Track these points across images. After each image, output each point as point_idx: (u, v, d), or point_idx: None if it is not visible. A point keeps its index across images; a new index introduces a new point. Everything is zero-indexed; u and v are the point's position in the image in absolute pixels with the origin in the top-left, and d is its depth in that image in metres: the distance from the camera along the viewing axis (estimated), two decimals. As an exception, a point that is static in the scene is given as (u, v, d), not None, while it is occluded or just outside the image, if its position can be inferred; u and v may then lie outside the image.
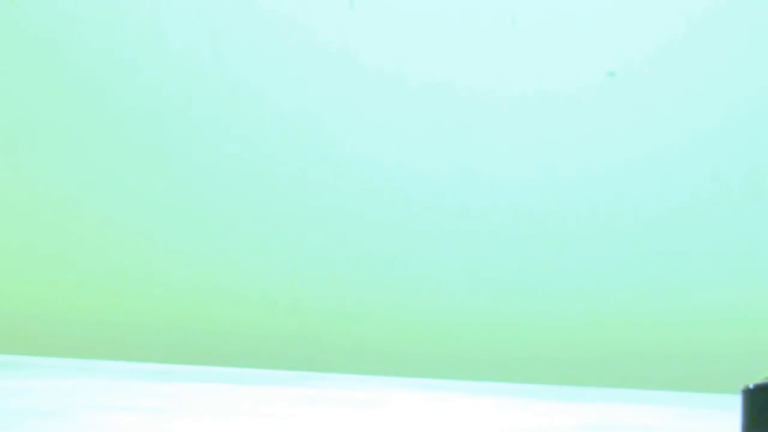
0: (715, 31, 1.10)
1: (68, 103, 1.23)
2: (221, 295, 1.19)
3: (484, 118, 1.15)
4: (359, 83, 1.17)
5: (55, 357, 1.21)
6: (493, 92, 1.14)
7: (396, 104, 1.16)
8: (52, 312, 1.23)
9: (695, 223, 1.10)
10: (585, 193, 1.13)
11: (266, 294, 1.19)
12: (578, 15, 1.12)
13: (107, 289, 1.21)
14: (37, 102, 1.24)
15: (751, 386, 0.38)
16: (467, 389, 1.03)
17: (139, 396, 0.93)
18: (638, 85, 1.11)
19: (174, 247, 1.20)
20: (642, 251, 1.11)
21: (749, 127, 1.10)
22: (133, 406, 0.88)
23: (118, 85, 1.22)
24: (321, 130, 1.18)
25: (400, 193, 1.16)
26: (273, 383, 1.03)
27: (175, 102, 1.21)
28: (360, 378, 1.08)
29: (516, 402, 0.97)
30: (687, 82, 1.11)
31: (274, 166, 1.19)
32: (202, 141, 1.21)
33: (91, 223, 1.22)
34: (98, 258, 1.22)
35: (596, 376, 1.11)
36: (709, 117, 1.10)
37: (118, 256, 1.21)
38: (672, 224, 1.11)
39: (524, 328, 1.13)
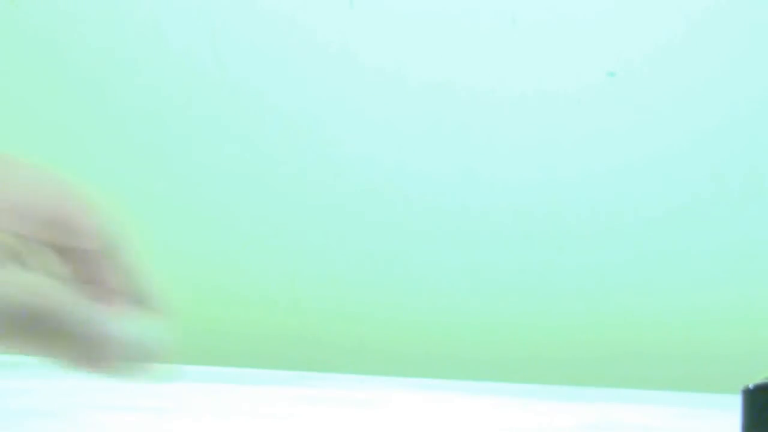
0: (716, 31, 1.10)
1: (68, 103, 1.23)
2: (221, 294, 1.19)
3: (484, 118, 1.15)
4: (359, 83, 1.17)
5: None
6: (493, 92, 1.14)
7: (396, 104, 1.16)
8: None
9: (695, 223, 1.10)
10: (585, 193, 1.13)
11: (266, 294, 1.18)
12: (578, 15, 1.12)
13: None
14: (37, 102, 1.24)
15: (751, 386, 0.37)
16: (467, 389, 1.03)
17: (139, 396, 0.92)
18: (638, 85, 1.11)
19: (173, 246, 1.20)
20: (642, 251, 1.11)
21: (749, 127, 1.10)
22: (133, 406, 0.88)
23: (118, 85, 1.22)
24: (321, 130, 1.18)
25: (400, 193, 1.16)
26: (273, 383, 1.03)
27: (175, 102, 1.21)
28: (360, 378, 1.08)
29: (516, 402, 0.97)
30: (687, 82, 1.10)
31: (274, 166, 1.19)
32: (202, 141, 1.20)
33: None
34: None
35: (596, 376, 1.11)
36: (709, 117, 1.10)
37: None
38: (672, 224, 1.11)
39: (524, 328, 1.13)
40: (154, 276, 0.45)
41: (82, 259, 0.42)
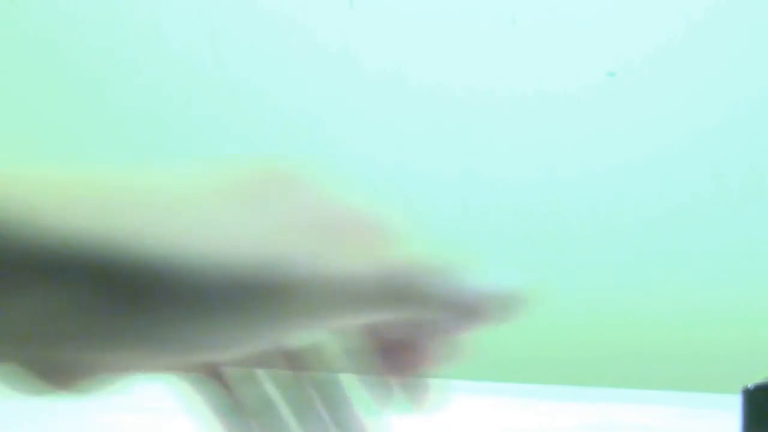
0: (716, 31, 1.10)
1: (68, 103, 1.23)
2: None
3: (484, 118, 1.15)
4: (359, 83, 1.17)
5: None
6: (493, 92, 1.14)
7: (396, 104, 1.16)
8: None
9: (695, 223, 1.10)
10: (585, 193, 1.13)
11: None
12: (578, 15, 1.12)
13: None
14: (37, 102, 1.24)
15: (751, 386, 0.37)
16: (467, 389, 1.03)
17: (139, 396, 0.92)
18: (638, 85, 1.11)
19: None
20: (642, 251, 1.11)
21: (750, 127, 1.10)
22: (133, 406, 0.88)
23: (118, 85, 1.22)
24: (321, 130, 1.18)
25: (400, 194, 1.16)
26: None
27: (175, 102, 1.21)
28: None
29: (516, 402, 0.97)
30: (687, 82, 1.10)
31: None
32: (202, 141, 1.20)
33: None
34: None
35: (596, 376, 1.11)
36: (709, 117, 1.10)
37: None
38: (672, 224, 1.11)
39: (524, 328, 1.13)
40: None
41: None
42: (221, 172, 0.34)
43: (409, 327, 0.38)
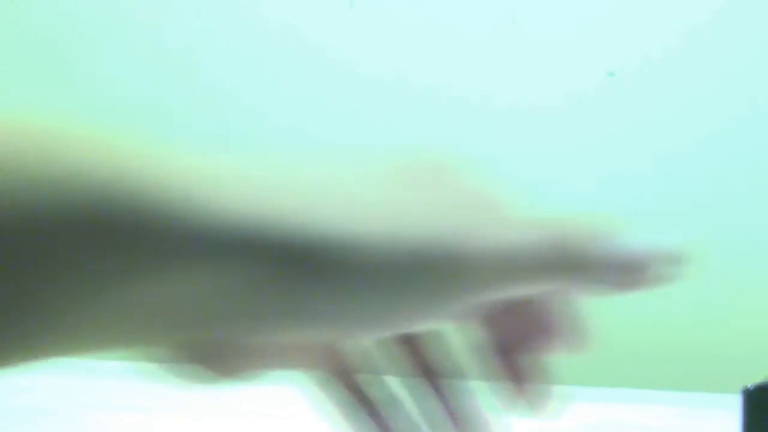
0: (716, 31, 1.10)
1: (68, 103, 1.23)
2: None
3: (484, 118, 1.15)
4: (359, 83, 1.17)
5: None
6: (493, 92, 1.14)
7: (396, 104, 1.16)
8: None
9: (695, 223, 1.10)
10: (585, 193, 1.13)
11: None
12: (578, 15, 1.12)
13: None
14: (37, 102, 1.24)
15: (751, 386, 0.37)
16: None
17: (139, 396, 0.93)
18: (638, 85, 1.11)
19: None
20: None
21: (750, 127, 1.10)
22: (133, 406, 0.88)
23: (119, 85, 1.22)
24: (320, 131, 1.18)
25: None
26: (273, 383, 1.03)
27: (174, 104, 1.21)
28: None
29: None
30: (687, 82, 1.10)
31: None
32: (200, 143, 1.20)
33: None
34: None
35: (596, 376, 1.11)
36: (709, 117, 1.10)
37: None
38: (672, 224, 1.11)
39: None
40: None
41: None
42: (385, 161, 0.35)
43: (547, 312, 0.39)
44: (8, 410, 0.85)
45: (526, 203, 0.38)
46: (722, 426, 0.85)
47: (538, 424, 0.85)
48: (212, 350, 0.32)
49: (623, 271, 0.37)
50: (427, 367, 0.41)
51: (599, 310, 1.12)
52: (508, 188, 1.14)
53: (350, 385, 0.41)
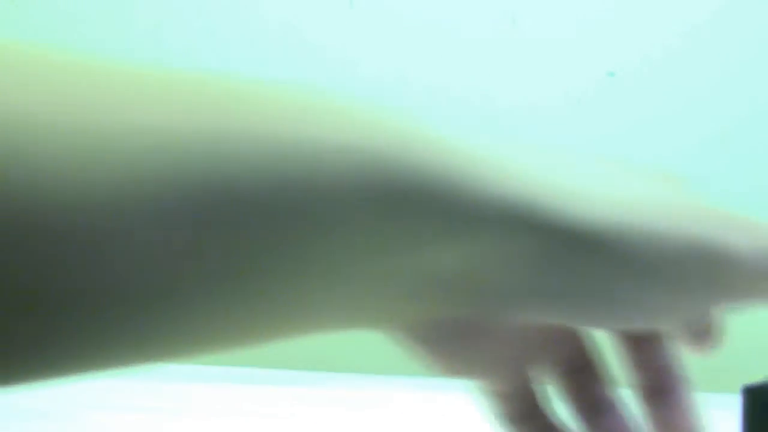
0: (716, 32, 1.10)
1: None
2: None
3: (484, 119, 1.15)
4: (359, 83, 1.17)
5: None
6: (493, 92, 1.14)
7: (396, 104, 1.16)
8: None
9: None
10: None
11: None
12: (578, 15, 1.12)
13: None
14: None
15: (750, 386, 0.37)
16: (467, 389, 1.03)
17: (139, 396, 0.93)
18: (638, 85, 1.11)
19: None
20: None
21: (751, 127, 1.10)
22: (133, 406, 0.88)
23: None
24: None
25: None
26: (273, 383, 1.03)
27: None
28: (359, 378, 1.08)
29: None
30: (687, 82, 1.10)
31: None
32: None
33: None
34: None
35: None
36: (709, 117, 1.10)
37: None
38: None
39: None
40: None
41: None
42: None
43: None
44: (8, 410, 0.85)
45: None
46: (722, 426, 0.85)
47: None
48: (448, 332, 0.33)
49: None
50: (654, 375, 0.40)
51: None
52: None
53: (578, 386, 0.39)
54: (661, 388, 0.39)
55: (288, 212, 0.26)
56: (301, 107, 0.28)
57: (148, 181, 0.24)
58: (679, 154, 1.11)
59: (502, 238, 0.30)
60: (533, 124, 1.13)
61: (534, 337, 0.36)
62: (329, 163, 0.27)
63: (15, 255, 0.22)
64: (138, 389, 0.95)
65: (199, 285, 0.25)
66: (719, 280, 0.33)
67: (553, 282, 0.31)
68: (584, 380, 0.39)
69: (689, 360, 1.10)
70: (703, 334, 0.38)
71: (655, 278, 0.32)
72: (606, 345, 0.94)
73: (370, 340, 1.16)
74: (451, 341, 0.33)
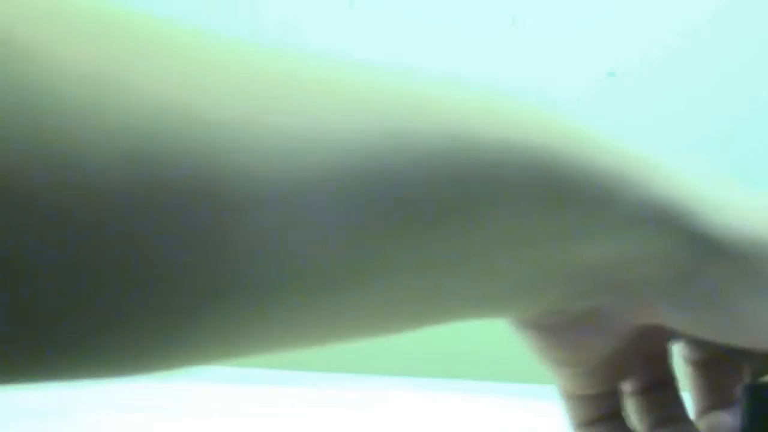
0: (717, 32, 1.10)
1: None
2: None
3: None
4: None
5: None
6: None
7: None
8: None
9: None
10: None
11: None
12: (578, 15, 1.12)
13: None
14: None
15: (751, 384, 0.37)
16: (467, 389, 1.03)
17: (139, 396, 0.93)
18: (638, 85, 1.11)
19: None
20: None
21: (751, 128, 1.09)
22: (133, 406, 0.88)
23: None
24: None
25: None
26: (273, 383, 1.03)
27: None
28: (359, 378, 1.08)
29: (516, 402, 0.97)
30: (687, 82, 1.10)
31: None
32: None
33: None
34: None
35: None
36: (709, 117, 1.10)
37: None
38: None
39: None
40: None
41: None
42: None
43: None
44: (8, 410, 0.85)
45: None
46: (722, 426, 0.84)
47: (538, 424, 0.85)
48: (564, 322, 0.34)
49: None
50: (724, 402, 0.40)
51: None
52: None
53: (651, 404, 0.39)
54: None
55: (462, 207, 0.27)
56: (475, 106, 0.29)
57: (346, 180, 0.25)
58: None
59: (651, 237, 0.31)
60: (533, 124, 1.13)
61: (629, 348, 0.37)
62: (509, 161, 0.28)
63: (221, 248, 0.24)
64: (138, 389, 0.95)
65: (380, 275, 0.27)
66: None
67: (691, 287, 0.32)
68: (660, 400, 0.39)
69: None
70: None
71: None
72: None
73: (370, 340, 1.15)
74: (564, 331, 0.34)
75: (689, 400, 0.40)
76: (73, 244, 0.22)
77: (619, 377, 0.39)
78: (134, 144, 0.23)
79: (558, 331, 0.35)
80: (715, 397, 0.39)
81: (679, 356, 0.40)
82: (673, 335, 0.38)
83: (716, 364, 0.39)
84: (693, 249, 0.32)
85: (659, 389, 0.39)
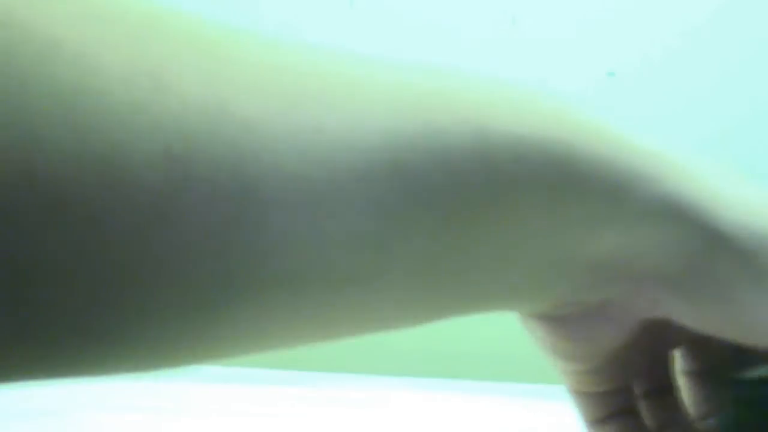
0: (717, 32, 1.10)
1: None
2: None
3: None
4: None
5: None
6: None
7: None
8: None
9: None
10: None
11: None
12: (578, 15, 1.12)
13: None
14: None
15: (738, 379, 0.38)
16: (467, 389, 1.03)
17: (139, 396, 0.93)
18: (638, 85, 1.11)
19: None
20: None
21: (751, 128, 1.09)
22: (133, 406, 0.88)
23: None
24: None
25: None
26: (273, 383, 1.03)
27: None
28: (359, 378, 1.08)
29: (516, 402, 0.97)
30: (687, 83, 1.10)
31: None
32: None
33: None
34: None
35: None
36: (709, 117, 1.10)
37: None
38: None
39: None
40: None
41: None
42: None
43: None
44: (9, 410, 0.85)
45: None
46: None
47: (538, 424, 0.85)
48: (576, 315, 0.35)
49: None
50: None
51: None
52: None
53: (655, 407, 0.40)
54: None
55: (483, 201, 0.28)
56: (494, 101, 0.30)
57: (375, 177, 0.26)
58: (679, 154, 1.11)
59: (663, 230, 0.32)
60: (533, 124, 1.13)
61: (637, 346, 0.37)
62: (526, 155, 0.29)
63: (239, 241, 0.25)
64: (138, 389, 0.95)
65: (407, 268, 0.28)
66: None
67: (699, 280, 0.32)
68: (663, 404, 0.40)
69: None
70: None
71: None
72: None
73: (370, 340, 1.15)
74: (575, 324, 0.35)
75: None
76: (110, 241, 0.23)
77: (627, 376, 0.39)
78: (169, 142, 0.23)
79: (569, 324, 0.36)
80: (707, 407, 0.39)
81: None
82: (676, 340, 0.39)
83: (708, 375, 0.40)
84: (703, 243, 0.32)
85: (662, 394, 0.40)
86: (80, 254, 0.23)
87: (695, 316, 0.33)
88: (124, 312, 0.24)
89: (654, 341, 0.38)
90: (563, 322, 0.36)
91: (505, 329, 1.18)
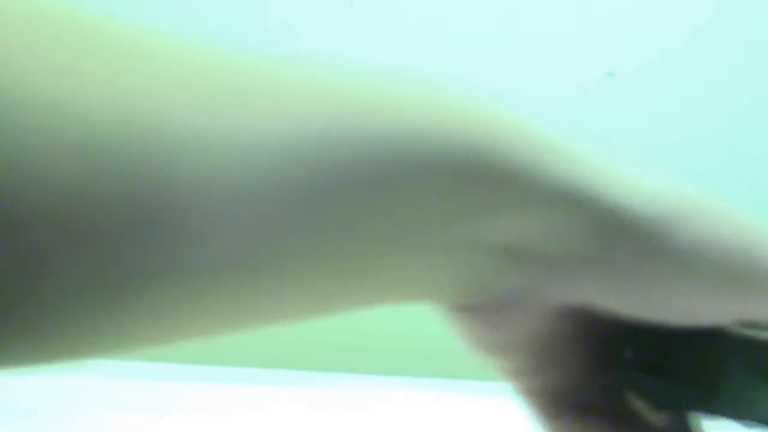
0: (717, 32, 1.10)
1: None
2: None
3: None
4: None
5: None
6: (493, 92, 1.14)
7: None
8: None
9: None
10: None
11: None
12: (578, 15, 1.12)
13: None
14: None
15: (732, 331, 0.37)
16: (467, 389, 1.03)
17: (139, 396, 0.93)
18: (638, 85, 1.11)
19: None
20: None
21: (751, 128, 1.10)
22: (133, 406, 0.88)
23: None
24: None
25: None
26: (273, 383, 1.03)
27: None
28: (359, 378, 1.08)
29: (516, 402, 0.97)
30: (687, 82, 1.10)
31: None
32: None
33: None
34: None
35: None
36: (709, 117, 1.10)
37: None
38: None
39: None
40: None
41: None
42: None
43: None
44: (9, 410, 0.85)
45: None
46: (721, 425, 0.84)
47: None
48: (493, 305, 0.36)
49: None
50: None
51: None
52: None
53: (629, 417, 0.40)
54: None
55: (385, 191, 0.30)
56: (405, 100, 0.31)
57: (286, 169, 0.28)
58: (678, 154, 1.11)
59: (558, 214, 0.33)
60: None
61: (566, 334, 0.38)
62: (424, 148, 0.30)
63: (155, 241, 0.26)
64: (137, 389, 0.95)
65: (318, 256, 0.29)
66: (757, 285, 0.35)
67: (601, 260, 0.34)
68: (619, 399, 0.40)
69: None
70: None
71: (695, 273, 0.34)
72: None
73: (370, 341, 1.16)
74: (492, 312, 0.36)
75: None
76: (20, 226, 0.23)
77: (568, 373, 0.39)
78: (84, 133, 0.25)
79: (485, 314, 0.37)
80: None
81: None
82: (625, 340, 0.39)
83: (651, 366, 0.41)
84: (598, 225, 0.34)
85: (618, 389, 0.40)
86: None
87: (606, 298, 0.35)
88: (29, 296, 0.24)
89: (587, 334, 0.38)
90: (478, 313, 0.37)
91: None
